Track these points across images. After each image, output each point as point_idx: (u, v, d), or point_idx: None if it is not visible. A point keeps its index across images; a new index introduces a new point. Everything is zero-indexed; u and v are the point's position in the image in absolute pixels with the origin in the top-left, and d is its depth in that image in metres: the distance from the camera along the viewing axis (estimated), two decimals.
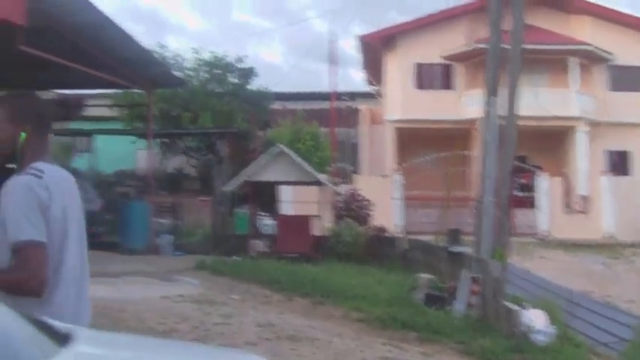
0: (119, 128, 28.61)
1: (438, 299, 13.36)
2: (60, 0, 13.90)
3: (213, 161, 25.66)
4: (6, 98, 3.87)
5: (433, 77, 34.95)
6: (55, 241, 3.57)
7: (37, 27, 13.40)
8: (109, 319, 9.64)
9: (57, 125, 26.81)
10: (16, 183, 3.56)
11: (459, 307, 12.47)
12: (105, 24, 15.24)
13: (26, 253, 3.38)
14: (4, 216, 3.49)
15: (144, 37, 35.12)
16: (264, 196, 21.74)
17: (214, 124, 27.53)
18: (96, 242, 17.24)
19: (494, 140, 12.82)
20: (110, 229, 19.30)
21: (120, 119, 29.64)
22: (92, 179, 21.43)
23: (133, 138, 27.57)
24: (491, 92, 12.98)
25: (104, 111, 30.41)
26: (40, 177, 3.60)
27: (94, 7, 14.46)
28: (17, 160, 3.74)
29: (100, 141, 26.76)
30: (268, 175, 20.11)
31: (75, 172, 16.43)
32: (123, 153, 29.48)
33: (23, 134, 3.72)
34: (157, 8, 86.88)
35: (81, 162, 25.98)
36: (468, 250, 14.55)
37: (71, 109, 29.45)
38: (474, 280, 12.38)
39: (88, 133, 26.68)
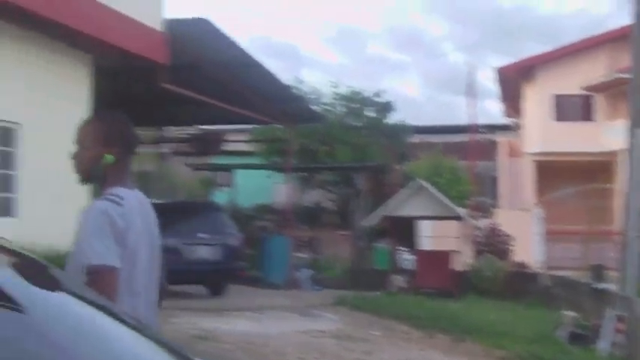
0: (258, 163, 28.87)
1: (582, 338, 12.80)
2: (200, 38, 14.08)
3: (351, 195, 25.53)
4: (96, 117, 3.92)
5: (573, 108, 33.93)
6: (128, 264, 3.56)
7: (179, 65, 13.62)
8: (252, 354, 9.58)
9: (197, 160, 27.30)
10: (95, 208, 3.57)
11: (603, 346, 11.93)
12: (246, 61, 15.35)
13: (98, 277, 3.36)
14: (80, 238, 3.50)
15: (280, 71, 35.53)
16: (402, 230, 21.45)
17: (352, 158, 27.46)
18: (237, 276, 17.35)
19: (638, 173, 12.22)
20: (250, 264, 19.36)
21: (258, 154, 29.92)
22: (232, 213, 21.59)
23: (270, 172, 27.78)
24: (635, 123, 12.38)
25: (243, 145, 30.78)
26: (119, 204, 3.58)
27: (235, 44, 14.61)
28: (97, 182, 3.74)
29: (239, 175, 27.05)
30: (408, 210, 19.83)
31: (215, 207, 16.65)
32: (261, 187, 29.70)
33: (109, 156, 3.67)
34: (292, 42, 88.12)
35: (221, 196, 26.28)
36: (612, 286, 13.92)
37: (211, 144, 29.92)
38: (619, 319, 11.83)
39: (228, 168, 27.00)
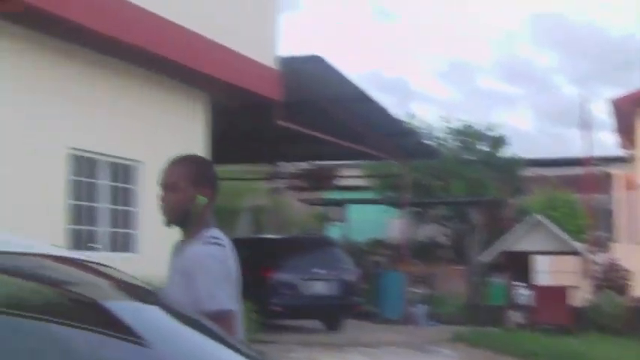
0: (371, 197, 28.73)
1: None
2: (314, 75, 14.09)
3: (466, 230, 25.12)
4: (189, 159, 3.90)
5: None
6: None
7: (293, 102, 13.66)
8: None
9: (310, 195, 27.35)
10: (206, 253, 3.63)
11: None
12: (359, 96, 15.29)
13: (220, 322, 3.26)
14: (197, 285, 3.55)
15: (391, 106, 35.35)
16: (518, 265, 20.97)
17: (466, 192, 27.06)
18: (353, 311, 17.24)
19: None
20: (365, 298, 19.22)
21: (371, 188, 29.78)
22: (346, 248, 21.51)
23: (384, 207, 27.58)
24: None
25: (356, 180, 30.69)
26: (223, 246, 3.67)
27: (348, 80, 14.56)
28: (187, 224, 3.75)
29: (352, 210, 26.96)
30: (525, 246, 19.40)
31: (331, 242, 16.62)
32: (374, 222, 29.49)
33: (202, 198, 3.70)
34: (402, 77, 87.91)
35: (334, 231, 26.22)
36: None
37: (324, 179, 29.98)
38: None
39: (341, 203, 26.97)
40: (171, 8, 11.45)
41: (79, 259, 2.63)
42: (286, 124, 14.08)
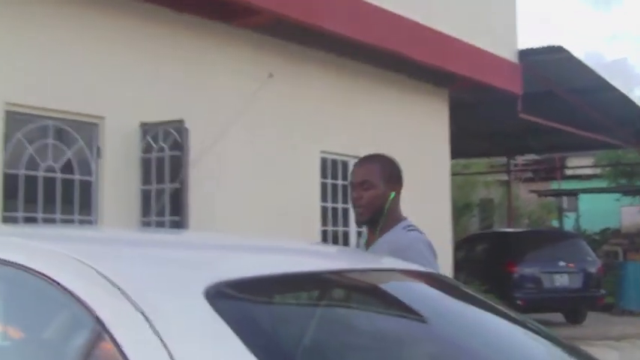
0: (603, 186, 27.41)
1: None
2: (554, 65, 13.47)
3: None
4: (379, 158, 3.90)
5: None
6: None
7: (533, 94, 13.16)
8: None
9: (541, 186, 26.45)
10: (414, 238, 3.72)
11: None
12: (602, 86, 14.46)
13: None
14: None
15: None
16: None
17: None
18: (598, 304, 16.45)
19: None
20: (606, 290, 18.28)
21: (603, 177, 28.43)
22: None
23: (616, 195, 26.30)
24: None
25: (585, 170, 29.46)
26: (423, 233, 3.80)
27: (590, 70, 13.79)
28: (379, 220, 3.74)
29: (583, 200, 25.92)
30: None
31: (573, 234, 15.89)
32: (606, 211, 28.12)
33: (393, 193, 3.77)
34: (624, 59, 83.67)
35: (568, 222, 25.32)
36: None
37: (554, 170, 28.99)
38: None
39: (573, 193, 25.96)
40: (414, 8, 11.16)
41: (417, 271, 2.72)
42: (529, 118, 13.51)
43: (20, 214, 7.63)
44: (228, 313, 1.63)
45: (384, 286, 2.49)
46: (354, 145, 11.12)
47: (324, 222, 10.90)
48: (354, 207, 3.84)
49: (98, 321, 1.61)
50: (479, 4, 12.81)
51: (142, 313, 1.58)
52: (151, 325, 1.56)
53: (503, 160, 23.78)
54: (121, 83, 8.39)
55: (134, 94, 8.48)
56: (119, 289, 1.67)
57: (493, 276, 14.48)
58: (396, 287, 2.51)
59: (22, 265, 1.87)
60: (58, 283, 1.75)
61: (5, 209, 7.39)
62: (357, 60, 11.09)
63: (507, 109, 13.44)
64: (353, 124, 11.19)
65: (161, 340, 1.52)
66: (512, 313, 2.59)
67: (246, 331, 1.60)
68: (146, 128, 8.41)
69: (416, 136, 12.31)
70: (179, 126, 8.20)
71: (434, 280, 2.67)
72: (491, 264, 15.46)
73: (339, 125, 10.97)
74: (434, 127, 12.82)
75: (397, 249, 3.49)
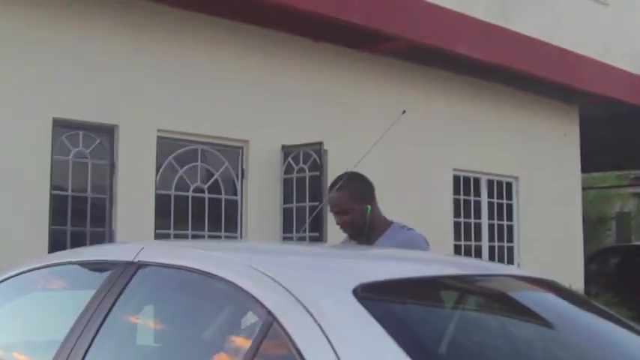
0: None
1: None
2: None
3: None
4: (344, 185, 4.24)
5: None
6: None
7: None
8: None
9: None
10: (413, 235, 4.14)
11: None
12: None
13: None
14: None
15: None
16: None
17: None
18: None
19: None
20: None
21: None
22: None
23: None
24: None
25: None
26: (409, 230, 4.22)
27: None
28: (366, 230, 4.17)
29: None
30: None
31: None
32: None
33: (369, 206, 4.20)
34: None
35: None
36: None
37: None
38: None
39: None
40: (539, 26, 11.32)
41: (532, 277, 2.99)
42: None
43: (171, 232, 8.26)
44: (372, 308, 2.03)
45: (509, 291, 2.81)
46: (484, 163, 11.38)
47: (457, 237, 11.17)
48: (342, 228, 4.28)
49: (269, 313, 2.05)
50: (608, 22, 12.79)
51: (304, 307, 2.01)
52: (312, 316, 1.98)
53: (638, 172, 23.21)
54: (263, 108, 8.94)
55: (276, 118, 9.02)
56: (284, 288, 2.10)
57: (626, 289, 14.26)
58: (520, 292, 2.82)
59: (207, 272, 2.35)
60: (238, 286, 2.20)
61: (157, 227, 8.01)
62: (487, 80, 11.31)
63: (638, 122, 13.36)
64: (484, 141, 11.41)
65: (320, 327, 1.94)
66: (632, 324, 2.75)
67: (387, 322, 1.99)
68: (287, 150, 8.94)
69: (546, 153, 12.40)
70: (318, 148, 8.68)
71: (549, 285, 2.92)
72: (625, 277, 15.23)
73: (471, 143, 11.22)
74: (564, 143, 12.86)
75: (400, 245, 3.96)
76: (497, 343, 2.43)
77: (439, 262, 3.03)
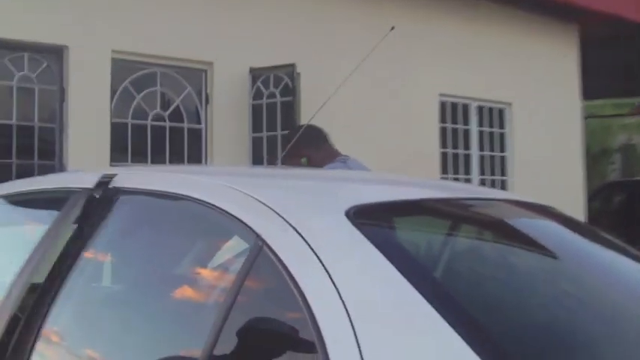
0: None
1: None
2: None
3: None
4: (285, 138, 5.41)
5: None
6: None
7: None
8: None
9: None
10: (333, 166, 5.02)
11: None
12: None
13: None
14: None
15: None
16: None
17: None
18: None
19: None
20: None
21: None
22: None
23: None
24: None
25: None
26: (344, 162, 5.14)
27: None
28: None
29: None
30: None
31: None
32: None
33: (304, 159, 5.04)
34: None
35: None
36: None
37: None
38: None
39: None
40: None
41: (529, 202, 3.20)
42: None
43: (129, 165, 8.31)
44: (366, 230, 2.18)
45: (506, 216, 2.99)
46: (474, 87, 11.46)
47: (444, 169, 11.32)
48: None
49: (258, 237, 2.18)
50: None
51: (295, 229, 2.15)
52: (302, 238, 2.12)
53: None
54: (229, 25, 8.96)
55: (243, 37, 9.02)
56: (273, 211, 2.24)
57: (632, 228, 14.43)
58: (518, 218, 3.01)
59: (190, 197, 2.49)
60: (222, 209, 2.34)
61: (113, 160, 8.06)
62: None
63: None
64: (474, 64, 11.47)
65: (311, 249, 2.08)
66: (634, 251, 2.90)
67: (383, 245, 2.13)
68: (256, 73, 9.00)
69: (543, 77, 12.48)
70: (291, 71, 8.74)
71: (550, 212, 3.09)
72: (631, 214, 15.38)
73: (460, 66, 11.30)
74: (562, 66, 12.94)
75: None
76: (494, 270, 2.58)
77: (433, 186, 3.19)
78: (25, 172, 7.54)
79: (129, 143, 8.45)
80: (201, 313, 2.36)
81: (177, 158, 8.74)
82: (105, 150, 8.00)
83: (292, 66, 8.75)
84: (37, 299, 2.57)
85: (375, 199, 2.54)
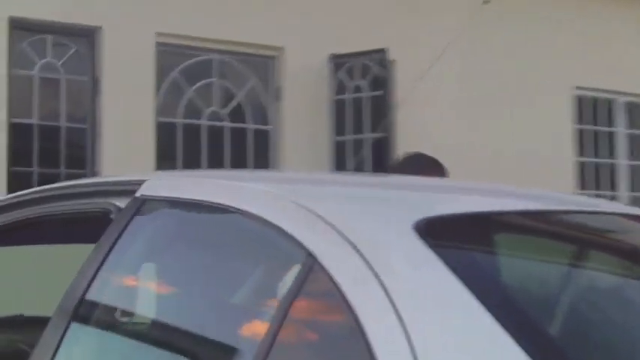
0: None
1: None
2: None
3: None
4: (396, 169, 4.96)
5: None
6: None
7: None
8: None
9: None
10: None
11: None
12: None
13: None
14: None
15: None
16: None
17: None
18: None
19: None
20: None
21: None
22: None
23: None
24: None
25: None
26: None
27: None
28: None
29: None
30: None
31: None
32: None
33: None
34: None
35: None
36: None
37: None
38: None
39: None
40: None
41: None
42: None
43: None
44: (438, 246, 2.23)
45: (617, 233, 2.96)
46: (620, 78, 11.21)
47: (582, 182, 11.14)
48: None
49: (309, 255, 2.27)
50: None
51: (351, 244, 2.22)
52: (361, 256, 2.20)
53: None
54: (304, 4, 9.00)
55: (322, 19, 9.03)
56: (327, 222, 2.33)
57: None
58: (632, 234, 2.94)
59: (234, 207, 2.60)
60: (270, 222, 2.44)
61: (159, 168, 8.08)
62: None
63: None
64: (620, 49, 11.24)
65: (371, 268, 2.16)
66: None
67: (456, 264, 2.16)
68: (338, 62, 9.01)
69: None
70: (382, 57, 8.73)
71: None
72: None
73: (600, 52, 11.11)
74: None
75: None
76: (598, 300, 2.55)
77: (524, 196, 3.18)
78: (49, 182, 7.64)
79: (178, 148, 8.52)
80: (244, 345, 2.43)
81: (239, 166, 8.74)
82: (148, 157, 8.08)
83: (383, 51, 8.72)
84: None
85: (452, 210, 2.56)
